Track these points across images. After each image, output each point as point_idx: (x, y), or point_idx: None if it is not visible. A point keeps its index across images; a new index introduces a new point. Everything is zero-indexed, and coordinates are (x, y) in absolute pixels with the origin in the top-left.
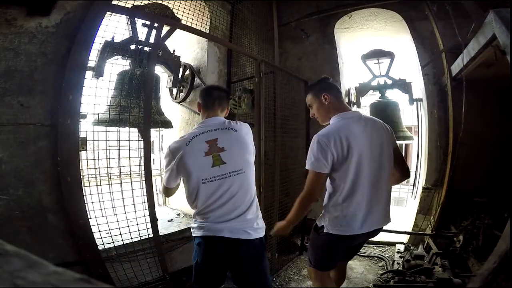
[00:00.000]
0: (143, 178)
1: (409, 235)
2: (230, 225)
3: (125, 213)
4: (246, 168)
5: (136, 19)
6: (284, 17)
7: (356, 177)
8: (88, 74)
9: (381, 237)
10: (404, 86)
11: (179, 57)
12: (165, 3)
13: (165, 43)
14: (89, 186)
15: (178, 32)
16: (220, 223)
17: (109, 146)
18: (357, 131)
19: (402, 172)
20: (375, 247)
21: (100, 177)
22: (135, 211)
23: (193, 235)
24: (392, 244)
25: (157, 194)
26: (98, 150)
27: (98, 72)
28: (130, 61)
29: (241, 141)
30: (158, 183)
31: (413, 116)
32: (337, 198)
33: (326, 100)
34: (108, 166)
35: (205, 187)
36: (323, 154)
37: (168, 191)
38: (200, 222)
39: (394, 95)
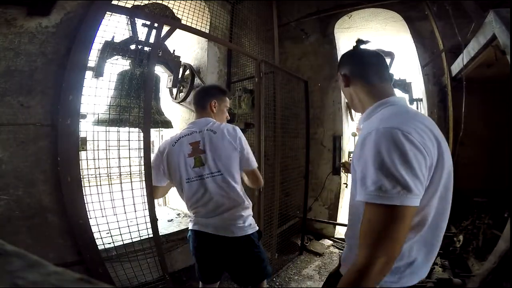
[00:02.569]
0: (143, 178)
1: None
2: (214, 222)
3: (125, 213)
4: (223, 170)
5: (136, 19)
6: (284, 17)
7: (442, 209)
8: (88, 74)
9: None
10: (404, 86)
11: (179, 57)
12: (165, 3)
13: (165, 43)
14: (89, 186)
15: (178, 32)
16: (207, 219)
17: (109, 146)
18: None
19: None
20: None
21: (100, 177)
22: (135, 211)
23: (190, 227)
24: None
25: None
26: (98, 150)
27: (98, 72)
28: (130, 61)
29: (219, 144)
30: None
31: None
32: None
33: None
34: (108, 166)
35: (188, 186)
36: (420, 166)
37: (154, 191)
38: (192, 217)
39: None
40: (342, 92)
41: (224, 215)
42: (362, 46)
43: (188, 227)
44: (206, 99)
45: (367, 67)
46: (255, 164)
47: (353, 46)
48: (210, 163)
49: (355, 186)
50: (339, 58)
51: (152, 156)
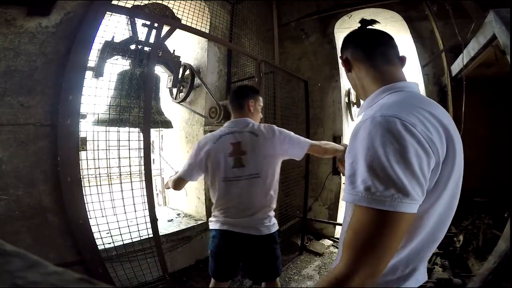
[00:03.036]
0: (143, 178)
1: None
2: (243, 222)
3: (125, 213)
4: (262, 173)
5: (136, 19)
6: (284, 17)
7: (443, 219)
8: (88, 74)
9: None
10: None
11: (179, 57)
12: (165, 3)
13: (165, 43)
14: (89, 186)
15: (178, 32)
16: (234, 219)
17: (109, 146)
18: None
19: None
20: None
21: (100, 177)
22: (135, 211)
23: (210, 227)
24: None
25: (157, 194)
26: (98, 150)
27: (98, 72)
28: (130, 61)
29: (261, 147)
30: (158, 183)
31: None
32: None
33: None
34: (108, 166)
35: (224, 185)
36: (421, 165)
37: (179, 184)
38: (217, 217)
39: None
40: (347, 79)
41: (255, 216)
42: (368, 28)
43: (187, 227)
44: (244, 99)
45: (371, 48)
46: (308, 141)
47: (358, 28)
48: (250, 165)
49: None
50: (338, 60)
51: (153, 156)
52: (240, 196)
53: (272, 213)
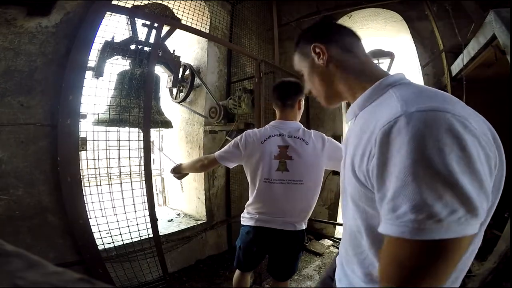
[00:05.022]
0: (143, 178)
1: None
2: (279, 220)
3: (125, 213)
4: (306, 180)
5: (136, 19)
6: (284, 17)
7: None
8: (88, 74)
9: None
10: None
11: (179, 57)
12: (165, 3)
13: (165, 43)
14: (89, 186)
15: (178, 32)
16: (271, 217)
17: (109, 146)
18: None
19: None
20: None
21: (100, 177)
22: (135, 211)
23: (242, 223)
24: None
25: (157, 194)
26: (98, 150)
27: (98, 72)
28: (130, 61)
29: (309, 156)
30: (158, 183)
31: None
32: None
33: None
34: (108, 166)
35: (264, 186)
36: (485, 171)
37: (208, 165)
38: (252, 214)
39: None
40: (307, 77)
41: (291, 217)
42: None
43: (187, 227)
44: (296, 96)
45: (351, 38)
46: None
47: (322, 21)
48: (294, 170)
49: (356, 198)
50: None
51: (153, 156)
52: (279, 199)
53: (307, 219)
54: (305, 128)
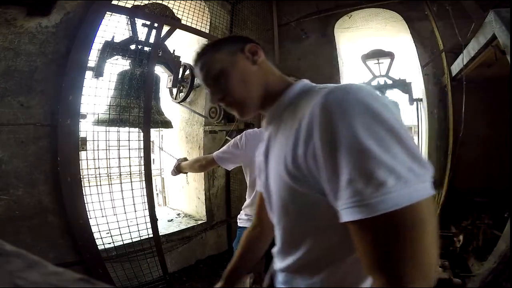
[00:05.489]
0: (143, 178)
1: None
2: None
3: (125, 213)
4: None
5: (136, 19)
6: (284, 17)
7: None
8: (88, 74)
9: None
10: (404, 86)
11: (179, 57)
12: (165, 3)
13: (165, 43)
14: (89, 186)
15: (178, 32)
16: None
17: (109, 146)
18: None
19: None
20: None
21: (100, 177)
22: (135, 211)
23: (239, 224)
24: None
25: (157, 194)
26: (98, 150)
27: (98, 72)
28: (130, 61)
29: None
30: (158, 183)
31: (413, 116)
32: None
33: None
34: (108, 166)
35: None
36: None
37: (207, 166)
38: (250, 216)
39: (394, 95)
40: (230, 79)
41: None
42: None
43: (188, 227)
44: None
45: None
46: None
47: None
48: None
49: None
50: (338, 60)
51: (153, 156)
52: None
53: None
54: None
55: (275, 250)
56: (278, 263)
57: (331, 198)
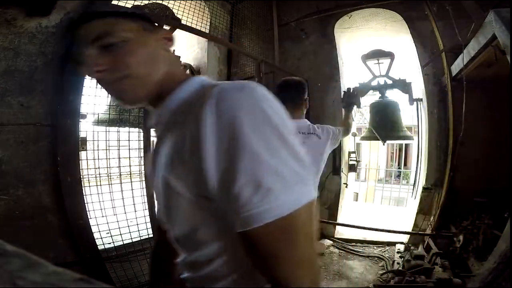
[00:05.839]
0: (143, 178)
1: (409, 235)
2: None
3: (125, 213)
4: (319, 171)
5: None
6: (284, 17)
7: None
8: None
9: (381, 237)
10: (404, 86)
11: (179, 57)
12: (165, 3)
13: None
14: (89, 186)
15: (178, 32)
16: None
17: (109, 146)
18: None
19: None
20: (375, 247)
21: (100, 177)
22: (135, 211)
23: None
24: (392, 244)
25: None
26: (98, 150)
27: None
28: None
29: (320, 147)
30: None
31: (413, 116)
32: None
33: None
34: (108, 166)
35: None
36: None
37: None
38: None
39: (394, 95)
40: (135, 52)
41: None
42: None
43: None
44: (300, 95)
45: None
46: (338, 129)
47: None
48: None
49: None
50: (338, 60)
51: None
52: None
53: None
54: (311, 123)
55: (179, 260)
56: (185, 273)
57: (221, 203)
